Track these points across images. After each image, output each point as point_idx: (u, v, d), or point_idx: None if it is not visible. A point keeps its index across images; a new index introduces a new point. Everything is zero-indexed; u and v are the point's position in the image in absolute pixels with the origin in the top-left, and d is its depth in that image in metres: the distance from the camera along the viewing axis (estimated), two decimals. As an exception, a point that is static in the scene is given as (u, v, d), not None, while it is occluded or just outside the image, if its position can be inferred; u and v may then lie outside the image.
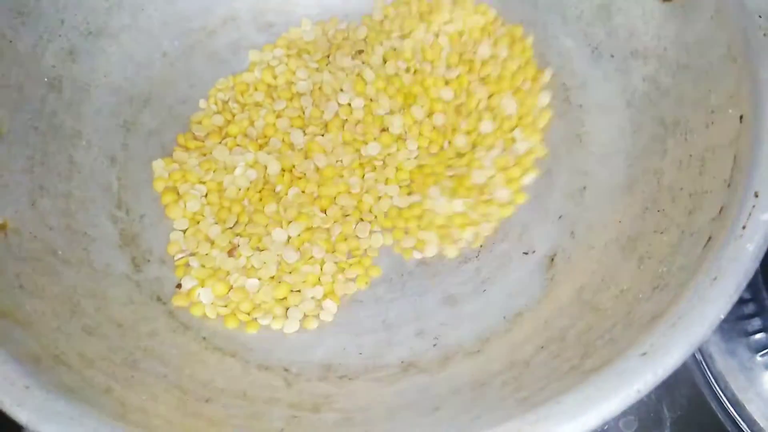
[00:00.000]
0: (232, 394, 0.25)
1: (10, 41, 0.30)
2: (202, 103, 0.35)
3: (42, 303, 0.25)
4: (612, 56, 0.32)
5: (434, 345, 0.28)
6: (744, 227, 0.21)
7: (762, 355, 0.31)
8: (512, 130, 0.33)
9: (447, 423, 0.22)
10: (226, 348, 0.28)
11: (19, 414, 0.20)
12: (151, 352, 0.26)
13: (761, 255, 0.21)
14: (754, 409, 0.31)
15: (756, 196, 0.22)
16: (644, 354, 0.19)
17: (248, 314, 0.30)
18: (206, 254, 0.31)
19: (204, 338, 0.29)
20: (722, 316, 0.20)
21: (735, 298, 0.20)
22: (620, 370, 0.19)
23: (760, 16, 0.25)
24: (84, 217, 0.30)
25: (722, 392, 0.31)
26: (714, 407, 0.31)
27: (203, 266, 0.30)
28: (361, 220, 0.32)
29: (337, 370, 0.28)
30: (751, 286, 0.32)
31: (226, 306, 0.29)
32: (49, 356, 0.22)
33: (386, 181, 0.33)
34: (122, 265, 0.30)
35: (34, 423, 0.19)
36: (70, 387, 0.21)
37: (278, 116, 0.34)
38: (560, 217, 0.31)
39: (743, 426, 0.31)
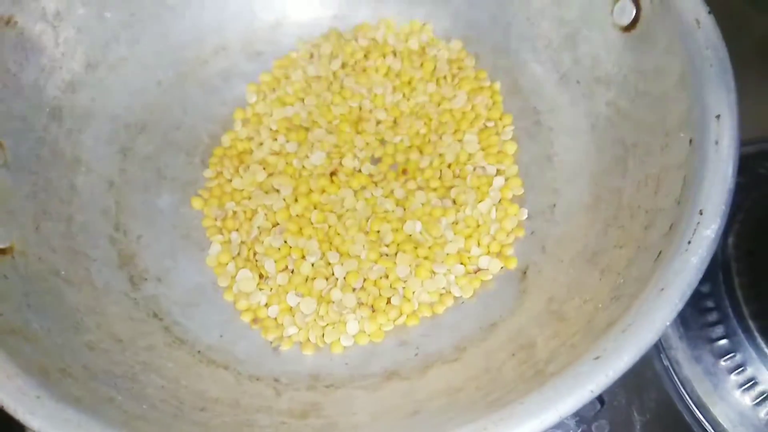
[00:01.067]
0: (225, 403, 0.27)
1: (14, 74, 0.32)
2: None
3: (48, 320, 0.27)
4: (578, 82, 0.34)
5: (415, 354, 0.30)
6: (690, 242, 0.23)
7: (725, 360, 0.33)
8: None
9: (423, 425, 0.24)
10: (219, 361, 0.30)
11: (31, 422, 0.21)
12: (149, 365, 0.28)
13: (704, 267, 0.23)
14: (718, 412, 0.33)
15: (701, 213, 0.24)
16: (598, 358, 0.21)
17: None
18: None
19: (198, 352, 0.30)
20: (668, 323, 0.22)
21: (680, 307, 0.22)
22: (576, 373, 0.21)
23: (707, 48, 0.27)
24: (84, 239, 0.32)
25: (689, 396, 0.33)
26: (681, 410, 0.33)
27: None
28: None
29: (324, 379, 0.30)
30: (714, 294, 0.34)
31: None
32: (56, 369, 0.24)
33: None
34: (121, 283, 0.32)
35: (45, 429, 0.21)
36: (77, 397, 0.23)
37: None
38: (532, 233, 0.33)
39: (708, 428, 0.33)
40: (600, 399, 0.33)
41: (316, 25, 0.39)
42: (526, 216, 0.34)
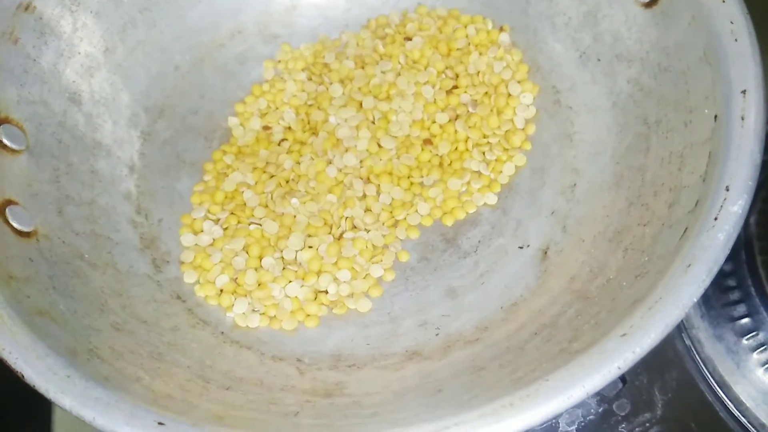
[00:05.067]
0: (250, 382, 0.27)
1: (34, 60, 0.32)
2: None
3: (74, 302, 0.27)
4: (599, 60, 0.34)
5: (436, 334, 0.30)
6: (716, 218, 0.23)
7: (747, 339, 0.33)
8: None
9: (447, 402, 0.24)
10: (242, 341, 0.31)
11: (63, 400, 0.22)
12: (174, 345, 0.28)
13: (731, 243, 0.23)
14: (740, 390, 0.32)
15: (727, 189, 0.23)
16: (624, 335, 0.21)
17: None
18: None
19: (222, 333, 0.31)
20: (695, 299, 0.22)
21: (707, 283, 0.22)
22: (602, 350, 0.21)
23: (731, 22, 0.27)
24: (106, 222, 0.32)
25: (710, 375, 0.33)
26: (703, 389, 0.33)
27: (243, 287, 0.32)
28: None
29: (347, 359, 0.30)
30: (736, 273, 0.34)
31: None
32: (84, 350, 0.24)
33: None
34: (144, 266, 0.32)
35: (77, 408, 0.22)
36: (105, 377, 0.23)
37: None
38: (553, 213, 0.33)
39: (730, 406, 0.33)
40: (622, 378, 0.33)
41: (331, 6, 0.39)
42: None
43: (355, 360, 0.30)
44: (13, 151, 0.30)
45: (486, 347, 0.28)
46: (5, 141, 0.30)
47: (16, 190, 0.29)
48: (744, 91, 0.25)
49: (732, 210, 0.23)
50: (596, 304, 0.26)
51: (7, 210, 0.28)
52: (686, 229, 0.24)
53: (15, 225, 0.28)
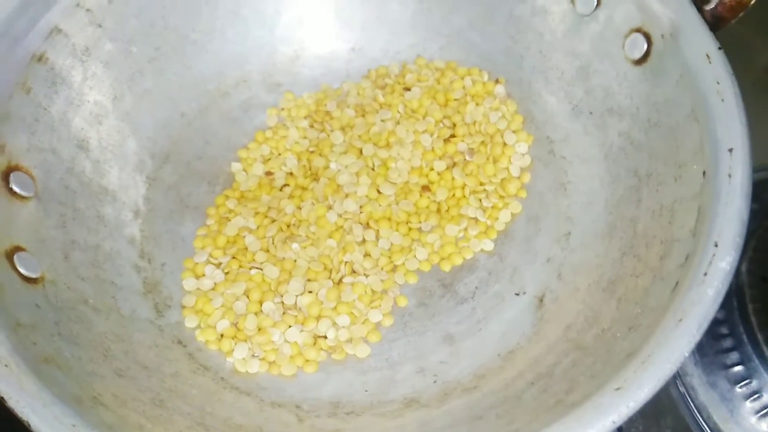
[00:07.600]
0: (249, 429, 0.28)
1: (45, 108, 0.33)
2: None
3: (78, 348, 0.28)
4: (591, 113, 0.35)
5: (434, 381, 0.31)
6: (705, 274, 0.24)
7: (740, 387, 0.33)
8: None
9: (446, 453, 0.24)
10: (241, 387, 0.31)
11: (68, 450, 0.22)
12: (175, 391, 0.29)
13: (720, 299, 0.23)
14: (734, 438, 0.33)
15: (716, 245, 0.24)
16: (619, 389, 0.22)
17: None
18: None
19: (222, 378, 0.31)
20: (686, 354, 0.22)
21: (698, 338, 0.23)
22: (598, 404, 0.21)
23: (718, 82, 0.28)
24: (111, 267, 0.33)
25: (705, 423, 0.33)
26: (697, 437, 0.34)
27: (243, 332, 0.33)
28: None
29: (345, 406, 0.30)
30: (729, 321, 0.34)
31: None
32: (88, 397, 0.25)
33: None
34: (146, 311, 0.32)
35: (82, 458, 0.22)
36: (109, 425, 0.24)
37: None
38: (548, 260, 0.34)
39: (725, 454, 0.33)
40: (618, 426, 0.33)
41: (333, 58, 0.41)
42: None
43: (353, 407, 0.30)
44: (22, 198, 0.31)
45: (483, 396, 0.29)
46: (15, 188, 0.30)
47: (24, 236, 0.30)
48: (731, 150, 0.26)
49: (721, 266, 0.24)
50: (591, 355, 0.26)
51: (15, 257, 0.29)
52: (677, 282, 0.25)
53: (22, 271, 0.28)
